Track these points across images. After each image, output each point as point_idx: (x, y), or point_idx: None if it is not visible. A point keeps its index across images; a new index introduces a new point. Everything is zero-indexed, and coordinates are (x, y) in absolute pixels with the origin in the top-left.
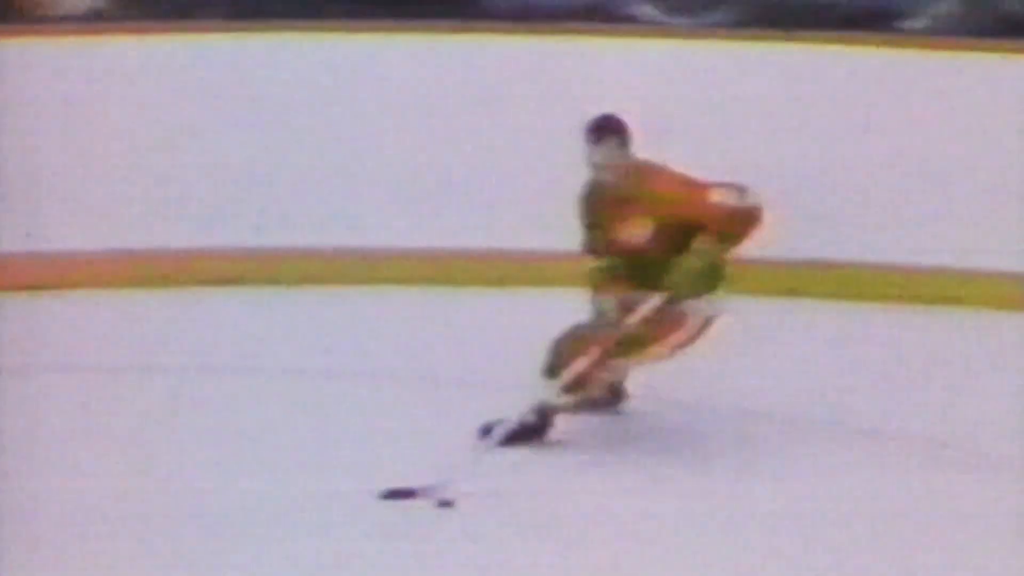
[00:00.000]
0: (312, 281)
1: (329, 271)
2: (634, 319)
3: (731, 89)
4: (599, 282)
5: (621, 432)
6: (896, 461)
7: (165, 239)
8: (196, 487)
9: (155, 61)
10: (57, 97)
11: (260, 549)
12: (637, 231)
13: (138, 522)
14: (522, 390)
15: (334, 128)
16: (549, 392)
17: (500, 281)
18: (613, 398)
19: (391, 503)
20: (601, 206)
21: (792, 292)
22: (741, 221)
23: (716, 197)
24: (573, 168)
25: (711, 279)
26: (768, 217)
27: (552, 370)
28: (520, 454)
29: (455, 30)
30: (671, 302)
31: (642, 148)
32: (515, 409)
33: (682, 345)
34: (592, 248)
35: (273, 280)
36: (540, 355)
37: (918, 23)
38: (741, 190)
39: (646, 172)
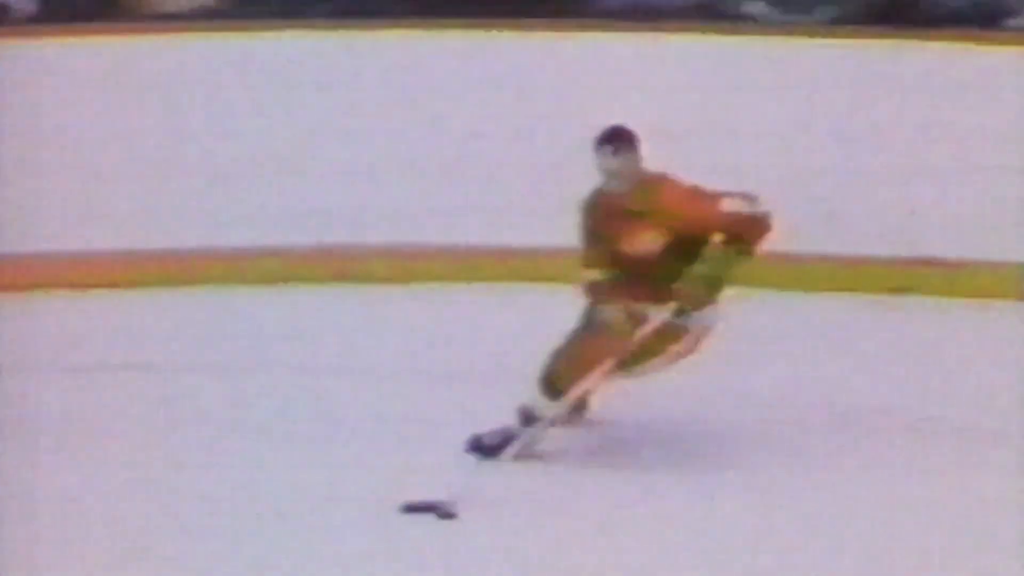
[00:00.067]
0: (312, 280)
1: (332, 269)
2: (645, 332)
3: (831, 85)
4: (599, 295)
5: (613, 441)
6: (903, 455)
7: (165, 239)
8: (196, 486)
9: (156, 60)
10: (56, 97)
11: (260, 548)
12: (646, 243)
13: (138, 522)
14: (524, 386)
15: (335, 126)
16: (544, 405)
17: (503, 277)
18: (580, 409)
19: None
20: (608, 217)
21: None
22: (753, 229)
23: (727, 206)
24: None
25: (717, 289)
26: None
27: (552, 385)
28: (519, 466)
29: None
30: (679, 313)
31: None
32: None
33: (681, 356)
34: (594, 260)
35: (274, 279)
36: (541, 353)
37: None
38: (751, 198)
39: (658, 183)
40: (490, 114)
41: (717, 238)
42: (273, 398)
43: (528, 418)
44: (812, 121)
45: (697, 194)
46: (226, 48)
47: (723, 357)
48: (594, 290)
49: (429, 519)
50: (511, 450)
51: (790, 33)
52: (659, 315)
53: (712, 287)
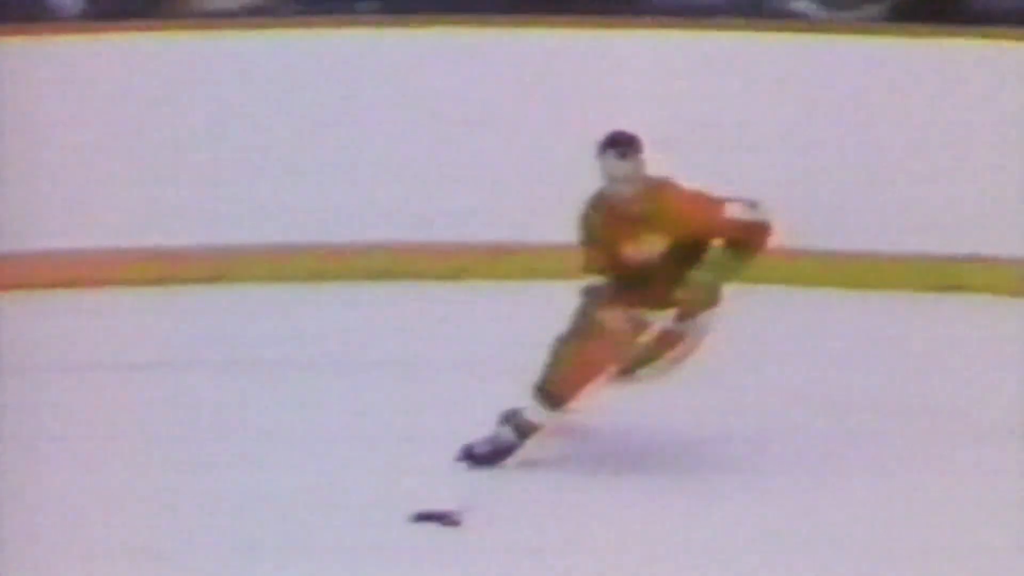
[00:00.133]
0: (312, 278)
1: (330, 267)
2: (648, 338)
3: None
4: (599, 300)
5: (612, 447)
6: (899, 460)
7: (164, 237)
8: (196, 485)
9: (156, 60)
10: (56, 96)
11: (261, 548)
12: (649, 248)
13: (138, 522)
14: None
15: (336, 124)
16: (540, 413)
17: (505, 274)
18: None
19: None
20: (611, 221)
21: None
22: (755, 236)
23: (731, 212)
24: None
25: (717, 294)
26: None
27: (550, 393)
28: (518, 473)
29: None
30: (680, 318)
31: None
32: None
33: (678, 361)
34: (594, 265)
35: (275, 277)
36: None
37: None
38: (753, 204)
39: (662, 188)
40: (531, 112)
41: (717, 243)
42: (274, 396)
43: (521, 427)
44: (862, 118)
45: (702, 199)
46: (272, 45)
47: (725, 358)
48: (594, 295)
49: (434, 535)
50: (511, 460)
51: (838, 31)
52: (661, 321)
53: (712, 293)
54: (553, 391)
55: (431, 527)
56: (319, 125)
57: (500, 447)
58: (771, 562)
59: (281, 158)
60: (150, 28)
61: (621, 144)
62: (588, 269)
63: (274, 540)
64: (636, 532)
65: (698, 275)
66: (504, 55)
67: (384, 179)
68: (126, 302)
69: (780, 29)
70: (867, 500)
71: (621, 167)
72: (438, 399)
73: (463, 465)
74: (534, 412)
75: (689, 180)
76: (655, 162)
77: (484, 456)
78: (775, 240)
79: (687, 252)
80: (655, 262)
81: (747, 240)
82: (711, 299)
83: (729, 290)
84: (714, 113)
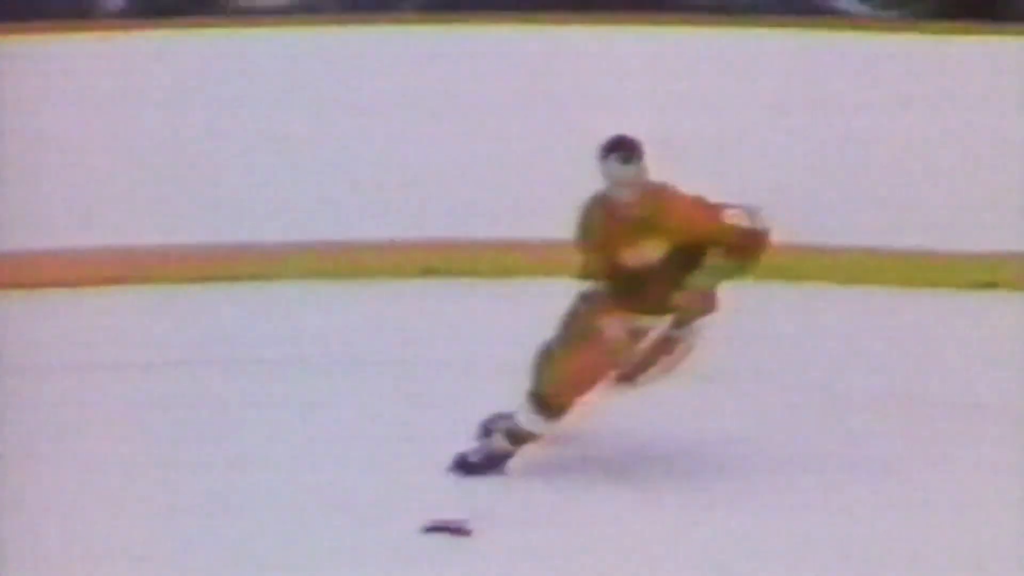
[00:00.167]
0: (312, 275)
1: (330, 265)
2: (645, 345)
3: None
4: (596, 306)
5: (608, 455)
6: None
7: (164, 236)
8: (197, 484)
9: (155, 58)
10: (56, 95)
11: (261, 548)
12: (648, 253)
13: (137, 521)
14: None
15: (333, 122)
16: (535, 422)
17: (498, 271)
18: None
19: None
20: (610, 226)
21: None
22: (754, 243)
23: (731, 219)
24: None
25: (714, 299)
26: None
27: (547, 402)
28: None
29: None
30: (677, 325)
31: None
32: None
33: (673, 366)
34: (592, 270)
35: (274, 276)
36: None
37: None
38: (752, 212)
39: (663, 193)
40: (533, 108)
41: (714, 249)
42: (275, 396)
43: (517, 435)
44: (909, 114)
45: (702, 205)
46: (271, 43)
47: (728, 356)
48: (588, 300)
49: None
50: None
51: (882, 29)
52: (659, 327)
53: (710, 299)
54: (552, 401)
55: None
56: (317, 122)
57: (494, 456)
58: (776, 568)
59: (279, 156)
60: (146, 26)
61: (624, 149)
62: (585, 274)
63: (273, 540)
64: (640, 537)
65: (696, 281)
66: (511, 51)
67: (383, 177)
68: (126, 301)
69: (822, 26)
70: (875, 504)
71: (623, 172)
72: (437, 398)
73: (458, 474)
74: (531, 421)
75: (723, 180)
76: (690, 161)
77: (478, 465)
78: (808, 238)
79: (685, 258)
80: (653, 267)
81: (745, 247)
82: (708, 305)
83: (743, 288)
84: (745, 113)
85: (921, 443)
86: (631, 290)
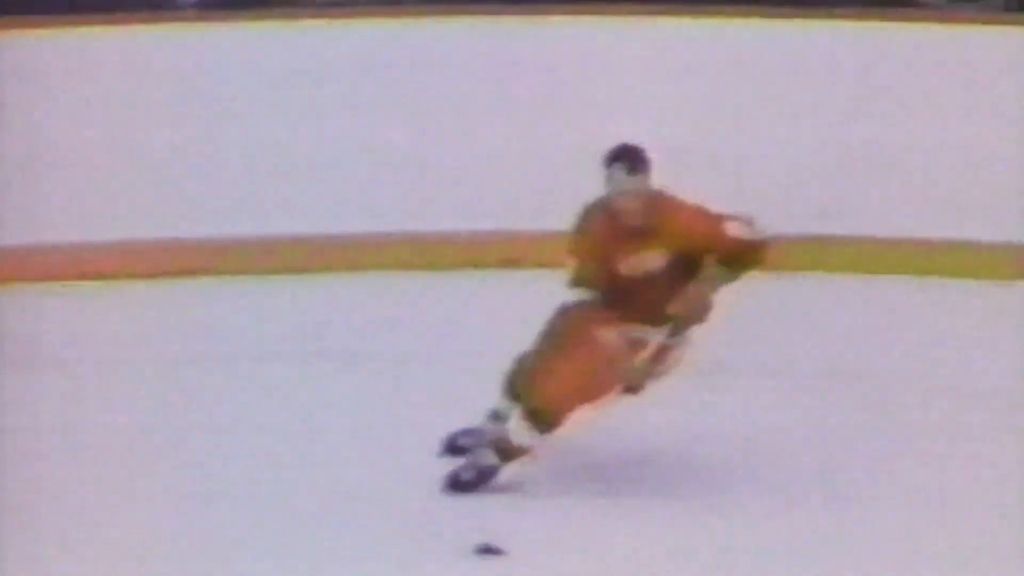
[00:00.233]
0: (312, 270)
1: (331, 259)
2: (645, 356)
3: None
4: (591, 316)
5: (604, 468)
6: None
7: (163, 230)
8: (198, 482)
9: (154, 54)
10: (55, 90)
11: (263, 547)
12: (648, 262)
13: (135, 516)
14: None
15: (330, 118)
16: (529, 434)
17: (502, 264)
18: None
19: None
20: (610, 235)
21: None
22: (751, 253)
23: (731, 229)
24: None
25: (709, 308)
26: None
27: (543, 416)
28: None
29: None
30: (672, 334)
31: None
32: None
33: (660, 376)
34: (585, 279)
35: (272, 270)
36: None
37: None
38: (750, 221)
39: (665, 201)
40: (536, 105)
41: (710, 259)
42: (276, 391)
43: (506, 450)
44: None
45: (704, 214)
46: (270, 40)
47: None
48: (581, 311)
49: (420, 518)
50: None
51: (960, 20)
52: (657, 337)
53: (707, 307)
54: (546, 417)
55: (428, 525)
56: (315, 118)
57: (483, 472)
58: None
59: (275, 150)
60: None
61: (630, 158)
62: (579, 282)
63: (271, 533)
64: (640, 546)
65: (698, 289)
66: (512, 44)
67: (382, 172)
68: (124, 296)
69: (901, 19)
70: (878, 504)
71: (628, 182)
72: (433, 392)
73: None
74: (523, 436)
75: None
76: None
77: (470, 483)
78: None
79: (681, 267)
80: (650, 276)
81: (743, 257)
82: (704, 313)
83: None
84: (767, 100)
85: (928, 438)
86: (626, 299)
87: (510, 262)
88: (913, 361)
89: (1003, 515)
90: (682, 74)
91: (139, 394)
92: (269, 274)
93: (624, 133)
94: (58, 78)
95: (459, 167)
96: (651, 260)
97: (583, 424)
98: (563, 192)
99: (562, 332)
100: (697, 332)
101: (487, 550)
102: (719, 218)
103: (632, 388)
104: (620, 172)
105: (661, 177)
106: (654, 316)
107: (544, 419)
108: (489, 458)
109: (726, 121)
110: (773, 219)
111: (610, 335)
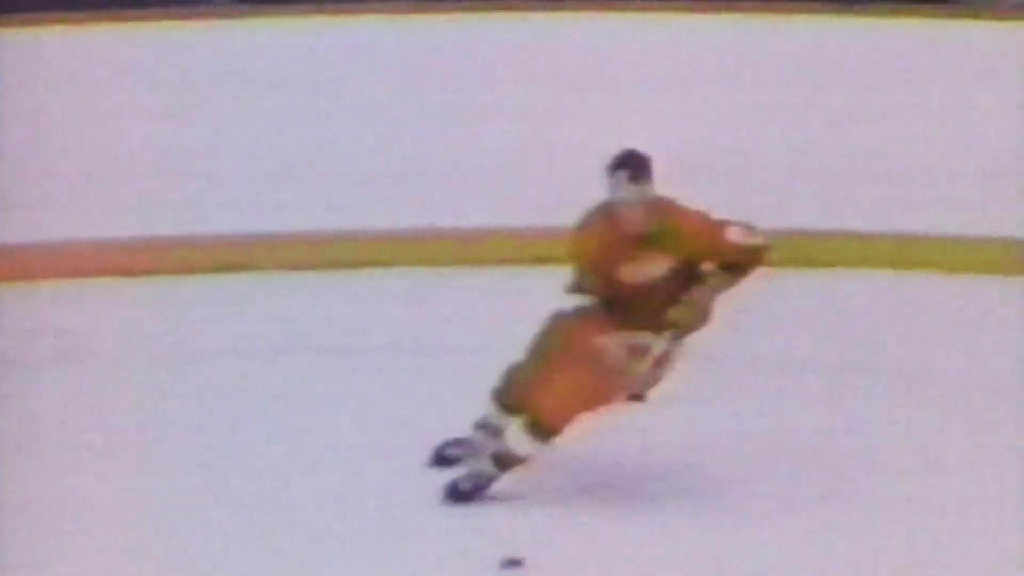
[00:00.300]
0: (313, 266)
1: (333, 255)
2: (646, 363)
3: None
4: (593, 324)
5: (604, 476)
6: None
7: (163, 227)
8: (199, 481)
9: (152, 50)
10: (55, 87)
11: (265, 546)
12: (651, 269)
13: (137, 520)
14: None
15: (330, 114)
16: (528, 444)
17: (503, 260)
18: None
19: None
20: (612, 242)
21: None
22: (752, 259)
23: (733, 235)
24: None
25: (708, 314)
26: None
27: (543, 426)
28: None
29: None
30: (673, 340)
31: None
32: None
33: (658, 381)
34: (585, 286)
35: (272, 266)
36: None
37: None
38: (750, 227)
39: (669, 209)
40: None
41: (710, 265)
42: (277, 388)
43: (504, 459)
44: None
45: (707, 221)
46: (269, 38)
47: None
48: (579, 318)
49: (414, 517)
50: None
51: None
52: (658, 345)
53: (707, 313)
54: (547, 425)
55: (427, 525)
56: (315, 116)
57: (481, 481)
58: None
59: (274, 148)
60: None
61: (633, 166)
62: (578, 289)
63: (270, 532)
64: (645, 555)
65: (698, 295)
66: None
67: (378, 168)
68: (124, 294)
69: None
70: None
71: (631, 190)
72: (432, 387)
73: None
74: (521, 444)
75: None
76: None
77: (468, 492)
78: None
79: (682, 273)
80: (649, 284)
81: (744, 263)
82: (704, 319)
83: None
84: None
85: (929, 435)
86: (626, 306)
87: (510, 259)
88: (914, 358)
89: (1004, 515)
90: (685, 71)
91: (138, 392)
92: (269, 272)
93: (627, 130)
94: (58, 77)
95: (459, 166)
96: (653, 267)
97: (582, 431)
98: (564, 191)
99: (560, 340)
100: (697, 333)
101: (512, 563)
102: (721, 224)
103: (636, 395)
104: (622, 180)
105: (660, 178)
106: (654, 323)
107: (544, 428)
108: (486, 467)
109: (728, 119)
110: (775, 215)
111: (611, 342)
